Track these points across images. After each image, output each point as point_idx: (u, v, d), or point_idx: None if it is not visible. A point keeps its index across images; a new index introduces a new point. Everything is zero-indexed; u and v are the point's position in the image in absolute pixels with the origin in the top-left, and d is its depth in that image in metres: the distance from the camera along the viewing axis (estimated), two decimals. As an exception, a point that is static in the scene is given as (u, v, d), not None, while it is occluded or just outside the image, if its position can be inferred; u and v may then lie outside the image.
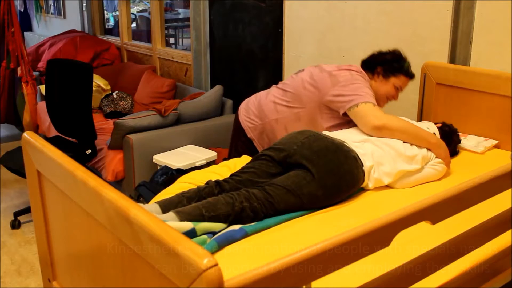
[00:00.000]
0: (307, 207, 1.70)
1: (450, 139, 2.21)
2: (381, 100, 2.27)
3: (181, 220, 1.51)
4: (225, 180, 1.78)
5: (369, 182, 1.87)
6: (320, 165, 1.74)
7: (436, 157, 2.02)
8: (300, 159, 1.75)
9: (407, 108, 2.82)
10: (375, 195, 1.87)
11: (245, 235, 1.52)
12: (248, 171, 1.81)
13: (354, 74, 2.18)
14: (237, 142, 2.45)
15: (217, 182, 1.76)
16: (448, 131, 2.25)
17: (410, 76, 2.30)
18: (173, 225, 1.46)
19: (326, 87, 2.16)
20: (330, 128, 2.18)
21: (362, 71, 2.27)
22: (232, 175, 1.82)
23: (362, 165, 1.83)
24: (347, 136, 1.97)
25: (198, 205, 1.57)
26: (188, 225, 1.48)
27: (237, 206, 1.58)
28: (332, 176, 1.74)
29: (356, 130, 2.08)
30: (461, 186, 1.26)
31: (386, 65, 2.26)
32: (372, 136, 2.00)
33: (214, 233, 1.52)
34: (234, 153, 2.44)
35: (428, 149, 2.02)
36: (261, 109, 2.34)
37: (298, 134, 1.87)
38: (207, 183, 1.76)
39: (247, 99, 2.49)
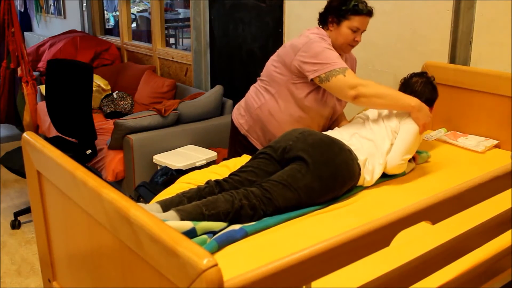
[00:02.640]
0: (305, 201, 1.71)
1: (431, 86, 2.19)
2: (344, 48, 2.23)
3: (181, 218, 1.51)
4: (225, 180, 1.79)
5: (366, 175, 1.88)
6: (315, 156, 1.75)
7: (414, 121, 2.00)
8: (296, 152, 1.77)
9: (407, 108, 2.82)
10: (375, 195, 1.87)
11: (245, 235, 1.52)
12: (246, 170, 1.83)
13: (312, 36, 2.15)
14: (235, 141, 2.46)
15: (217, 181, 1.77)
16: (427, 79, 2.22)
17: (360, 12, 2.15)
18: (173, 225, 1.46)
19: (289, 58, 2.17)
20: (307, 95, 2.18)
21: (320, 29, 2.24)
22: (231, 174, 1.84)
23: (357, 159, 1.85)
24: (336, 135, 2.00)
25: (198, 204, 1.58)
26: (188, 225, 1.48)
27: (237, 204, 1.59)
28: (327, 167, 1.75)
29: (343, 129, 2.10)
30: (461, 186, 1.26)
31: (334, 11, 2.19)
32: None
33: (214, 233, 1.53)
34: (233, 153, 2.44)
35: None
36: (247, 102, 2.38)
37: (292, 131, 1.90)
38: (207, 182, 1.77)
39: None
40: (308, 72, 2.10)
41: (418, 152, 2.18)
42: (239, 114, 2.41)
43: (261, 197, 1.64)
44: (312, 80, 2.11)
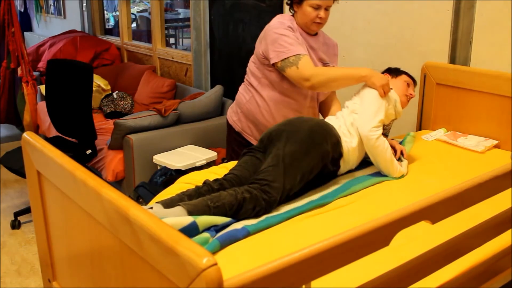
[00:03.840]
0: (293, 171, 1.76)
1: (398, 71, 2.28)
2: (309, 26, 2.23)
3: (188, 211, 1.54)
4: (223, 179, 1.81)
5: (352, 139, 1.98)
6: (289, 129, 1.88)
7: (372, 87, 2.07)
8: (276, 136, 1.88)
9: (407, 108, 2.82)
10: (375, 194, 1.87)
11: (247, 234, 1.52)
12: (238, 167, 1.89)
13: (271, 23, 2.21)
14: (230, 140, 2.48)
15: (215, 180, 1.79)
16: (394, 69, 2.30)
17: None
18: (173, 220, 1.46)
19: (257, 48, 2.28)
20: (283, 78, 2.21)
21: (285, 15, 2.28)
22: (225, 175, 1.87)
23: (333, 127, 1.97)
24: None
25: (203, 198, 1.62)
26: (188, 219, 1.48)
27: (239, 196, 1.63)
28: (301, 131, 1.86)
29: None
30: (461, 186, 1.26)
31: None
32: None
33: (216, 230, 1.52)
34: (230, 152, 2.47)
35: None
36: (237, 100, 2.43)
37: (274, 125, 2.01)
38: (205, 182, 1.78)
39: None
40: (270, 59, 2.17)
41: (401, 144, 2.22)
42: (233, 112, 2.45)
43: (260, 187, 1.68)
44: (274, 65, 2.18)
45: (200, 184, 1.82)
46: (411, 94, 2.22)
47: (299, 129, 1.87)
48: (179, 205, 1.58)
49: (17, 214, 3.26)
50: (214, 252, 1.42)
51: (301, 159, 1.79)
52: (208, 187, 1.75)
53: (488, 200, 1.36)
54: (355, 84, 2.14)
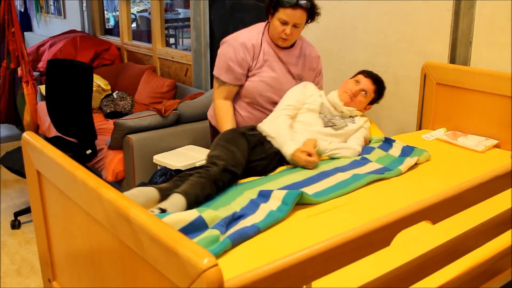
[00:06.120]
0: (219, 142, 2.02)
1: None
2: (276, 40, 2.27)
3: (186, 197, 1.62)
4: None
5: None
6: None
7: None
8: None
9: (407, 108, 2.82)
10: (375, 194, 1.87)
11: (257, 231, 1.52)
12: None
13: (233, 35, 2.31)
14: (213, 137, 2.54)
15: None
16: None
17: (285, 5, 2.15)
18: (179, 216, 1.46)
19: None
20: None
21: (258, 26, 2.34)
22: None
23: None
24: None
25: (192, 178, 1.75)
26: (194, 214, 1.48)
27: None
28: None
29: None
30: (461, 186, 1.26)
31: (269, 5, 2.23)
32: None
33: (225, 227, 1.51)
34: None
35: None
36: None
37: None
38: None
39: None
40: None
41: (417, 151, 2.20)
42: (212, 109, 2.55)
43: (220, 158, 1.88)
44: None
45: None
46: (350, 91, 2.32)
47: None
48: (175, 192, 1.65)
49: (17, 214, 3.26)
50: (226, 251, 1.42)
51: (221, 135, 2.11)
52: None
53: (488, 200, 1.36)
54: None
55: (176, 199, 1.63)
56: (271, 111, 2.31)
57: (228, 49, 2.25)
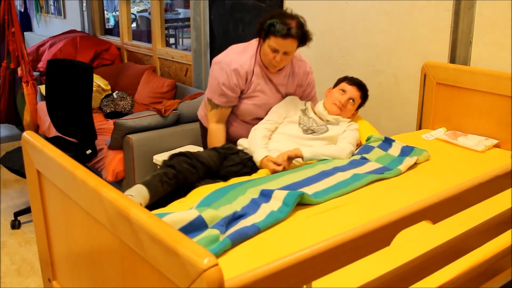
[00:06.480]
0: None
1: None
2: (267, 65, 2.31)
3: (148, 189, 1.82)
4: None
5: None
6: None
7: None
8: None
9: (407, 108, 2.82)
10: (375, 194, 1.87)
11: (257, 231, 1.52)
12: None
13: (221, 59, 2.33)
14: (203, 136, 2.59)
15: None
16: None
17: (276, 33, 2.17)
18: (178, 215, 1.46)
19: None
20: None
21: (250, 47, 2.35)
22: None
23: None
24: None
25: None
26: (193, 213, 1.48)
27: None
28: None
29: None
30: (461, 186, 1.26)
31: (260, 30, 2.25)
32: None
33: (225, 226, 1.51)
34: (206, 148, 2.55)
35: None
36: (204, 98, 2.54)
37: None
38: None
39: None
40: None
41: (417, 151, 2.20)
42: (201, 109, 2.61)
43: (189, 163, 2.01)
44: None
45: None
46: (339, 102, 2.37)
47: None
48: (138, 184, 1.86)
49: (17, 214, 3.26)
50: (225, 251, 1.42)
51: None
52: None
53: (488, 200, 1.36)
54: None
55: (140, 187, 1.87)
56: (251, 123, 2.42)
57: (221, 74, 2.29)
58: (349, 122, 2.41)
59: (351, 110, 2.41)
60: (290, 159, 2.12)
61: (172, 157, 2.05)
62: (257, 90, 2.35)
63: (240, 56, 2.31)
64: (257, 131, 2.28)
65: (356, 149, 2.30)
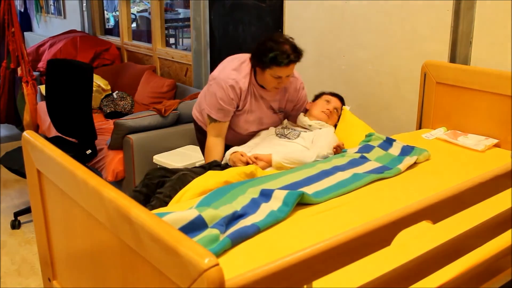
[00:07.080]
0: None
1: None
2: (271, 89, 2.40)
3: None
4: None
5: None
6: None
7: None
8: None
9: (407, 107, 2.82)
10: (375, 194, 1.87)
11: (257, 230, 1.52)
12: None
13: (218, 75, 2.39)
14: (201, 139, 2.65)
15: None
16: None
17: (280, 64, 2.25)
18: (178, 215, 1.46)
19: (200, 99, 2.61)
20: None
21: (244, 67, 2.38)
22: None
23: None
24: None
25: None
26: (193, 213, 1.48)
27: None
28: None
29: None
30: (461, 186, 1.26)
31: (257, 59, 2.31)
32: None
33: (224, 225, 1.52)
34: (203, 148, 2.59)
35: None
36: (199, 98, 2.65)
37: None
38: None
39: None
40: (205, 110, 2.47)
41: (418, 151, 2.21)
42: (195, 109, 2.67)
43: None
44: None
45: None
46: (328, 109, 2.53)
47: None
48: None
49: (17, 214, 3.26)
50: (225, 250, 1.42)
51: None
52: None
53: (488, 200, 1.36)
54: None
55: None
56: (252, 135, 2.54)
57: (219, 90, 2.36)
58: (322, 123, 2.50)
59: (335, 118, 2.59)
60: (258, 158, 2.23)
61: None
62: (250, 108, 2.45)
63: (235, 73, 2.38)
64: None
65: (357, 148, 2.31)
